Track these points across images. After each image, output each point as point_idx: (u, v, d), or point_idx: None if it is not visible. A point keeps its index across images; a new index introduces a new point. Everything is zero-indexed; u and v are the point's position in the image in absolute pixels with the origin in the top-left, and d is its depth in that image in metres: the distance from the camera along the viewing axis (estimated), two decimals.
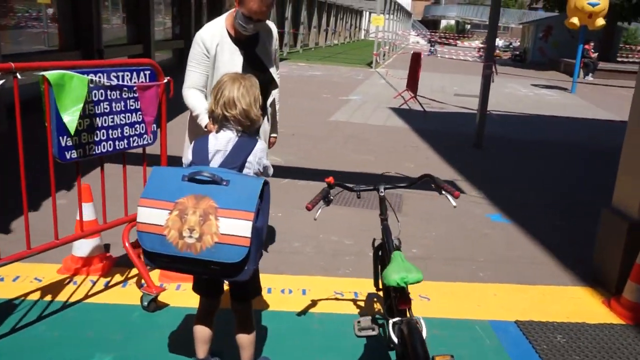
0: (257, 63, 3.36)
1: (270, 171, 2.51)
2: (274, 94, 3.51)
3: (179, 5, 15.75)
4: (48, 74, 2.70)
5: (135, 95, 3.20)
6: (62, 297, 3.39)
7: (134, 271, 3.70)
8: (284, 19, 26.41)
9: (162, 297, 3.39)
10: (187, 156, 3.09)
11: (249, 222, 2.07)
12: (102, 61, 3.31)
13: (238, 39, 3.28)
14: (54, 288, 3.47)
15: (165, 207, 2.12)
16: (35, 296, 3.37)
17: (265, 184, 2.20)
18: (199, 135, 3.15)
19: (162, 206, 2.12)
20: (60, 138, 2.84)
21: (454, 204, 2.64)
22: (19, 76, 2.60)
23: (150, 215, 2.13)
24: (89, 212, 3.64)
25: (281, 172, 6.54)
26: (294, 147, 7.89)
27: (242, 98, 2.30)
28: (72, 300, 3.37)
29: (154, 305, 3.29)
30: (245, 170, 2.33)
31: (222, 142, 2.35)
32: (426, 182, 2.85)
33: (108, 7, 11.76)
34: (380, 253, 3.00)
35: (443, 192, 2.68)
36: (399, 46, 35.31)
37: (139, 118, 3.26)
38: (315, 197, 2.68)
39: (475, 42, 48.99)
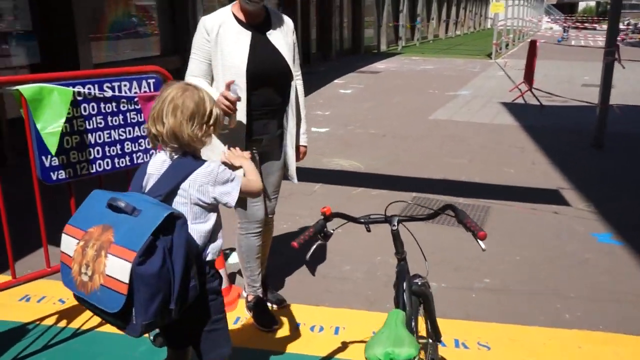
0: (268, 45, 2.89)
1: (229, 201, 1.95)
2: (294, 85, 3.01)
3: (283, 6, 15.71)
4: (23, 88, 2.45)
5: (138, 106, 2.88)
6: (75, 323, 3.17)
7: None
8: (399, 12, 25.58)
9: None
10: None
11: (128, 264, 1.63)
12: (94, 71, 3.03)
13: (245, 23, 2.86)
14: (72, 313, 3.27)
15: (77, 236, 1.77)
16: (50, 321, 3.19)
17: (176, 218, 1.73)
18: (214, 143, 2.72)
19: (75, 234, 1.77)
20: (44, 158, 2.58)
21: (483, 246, 1.97)
22: None
23: (67, 244, 1.79)
24: None
25: (357, 179, 6.02)
26: (381, 149, 7.30)
27: (172, 114, 1.84)
28: (84, 327, 3.14)
29: (160, 340, 2.94)
30: (177, 200, 1.87)
31: (156, 164, 1.93)
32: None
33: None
34: None
35: (469, 230, 2.02)
36: (527, 33, 32.80)
37: (144, 132, 2.93)
38: (305, 232, 2.15)
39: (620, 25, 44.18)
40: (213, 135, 1.99)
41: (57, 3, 6.79)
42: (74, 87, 2.61)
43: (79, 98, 2.64)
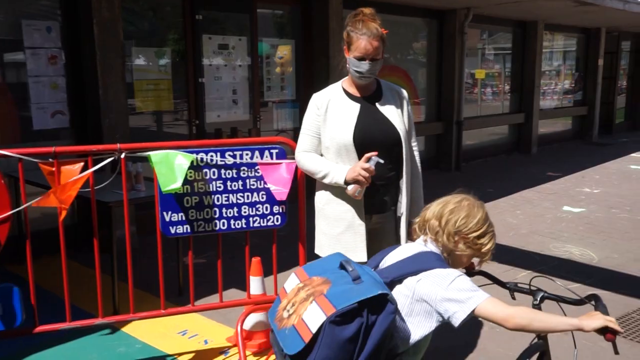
0: (377, 115, 2.83)
1: (453, 321, 1.81)
2: (408, 157, 2.88)
3: (584, 69, 14.41)
4: (152, 153, 2.90)
5: (258, 174, 3.08)
6: None
7: None
8: None
9: None
10: (321, 249, 2.78)
11: (323, 316, 1.67)
12: (220, 140, 3.33)
13: (355, 96, 2.86)
14: (202, 356, 3.58)
15: (301, 279, 1.94)
16: (186, 357, 3.58)
17: (389, 301, 1.73)
18: (334, 217, 2.79)
19: (301, 277, 1.95)
20: (165, 213, 2.98)
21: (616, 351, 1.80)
22: (123, 156, 2.88)
23: (291, 281, 1.97)
24: (256, 286, 3.66)
25: (579, 273, 5.04)
26: (636, 242, 5.98)
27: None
28: None
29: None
30: (399, 288, 1.89)
31: (404, 249, 2.09)
32: None
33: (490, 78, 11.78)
34: None
35: None
36: None
37: (262, 198, 3.11)
38: None
39: None
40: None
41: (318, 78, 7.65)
42: (197, 154, 2.98)
43: (201, 164, 2.99)
